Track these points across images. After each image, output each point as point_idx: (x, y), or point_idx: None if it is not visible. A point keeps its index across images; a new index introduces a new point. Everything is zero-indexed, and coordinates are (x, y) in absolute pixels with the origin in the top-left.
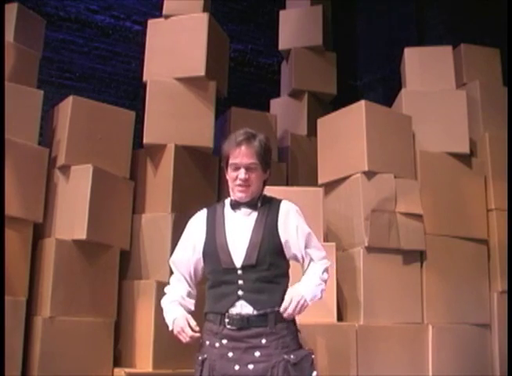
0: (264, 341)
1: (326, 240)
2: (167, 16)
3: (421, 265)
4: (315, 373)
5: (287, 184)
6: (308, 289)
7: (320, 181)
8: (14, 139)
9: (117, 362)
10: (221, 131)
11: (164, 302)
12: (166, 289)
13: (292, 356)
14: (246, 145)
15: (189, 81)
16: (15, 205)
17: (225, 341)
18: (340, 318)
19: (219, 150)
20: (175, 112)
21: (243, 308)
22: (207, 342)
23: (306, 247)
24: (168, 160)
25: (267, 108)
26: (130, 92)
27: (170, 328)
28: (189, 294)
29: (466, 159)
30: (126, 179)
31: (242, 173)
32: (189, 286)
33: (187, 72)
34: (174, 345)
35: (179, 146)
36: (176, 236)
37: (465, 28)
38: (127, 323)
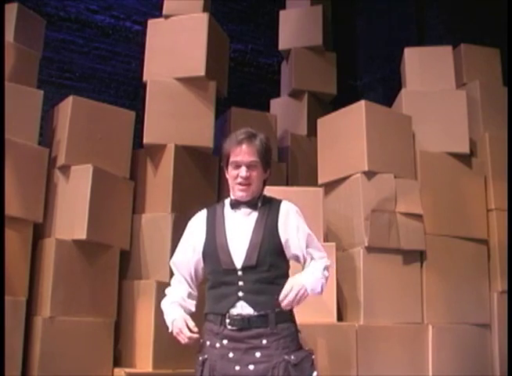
0: (264, 341)
1: (326, 240)
2: (167, 16)
3: (421, 265)
4: (315, 373)
5: (287, 184)
6: (309, 280)
7: (320, 181)
8: (14, 139)
9: (117, 362)
10: (221, 131)
11: (163, 304)
12: (166, 291)
13: (292, 357)
14: (248, 143)
15: (189, 81)
16: (15, 205)
17: (225, 342)
18: (340, 318)
19: (219, 149)
20: (175, 112)
21: (243, 308)
22: (208, 343)
23: (307, 247)
24: (168, 160)
25: (267, 108)
26: (130, 92)
27: (169, 330)
28: (190, 296)
29: (466, 159)
30: (126, 179)
31: (243, 171)
32: (190, 287)
33: (187, 72)
34: (174, 345)
35: (179, 146)
36: (176, 236)
37: (465, 28)
38: (127, 323)
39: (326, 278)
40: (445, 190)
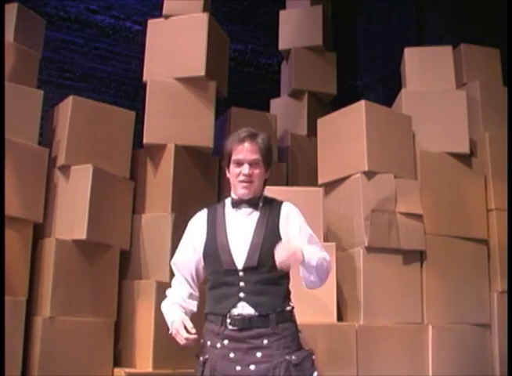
0: (265, 341)
1: (326, 240)
2: (167, 16)
3: (421, 265)
4: (315, 373)
5: (287, 184)
6: (309, 251)
7: (320, 181)
8: (14, 139)
9: (117, 362)
10: (221, 131)
11: (164, 306)
12: (167, 292)
13: (293, 357)
14: (250, 141)
15: (189, 81)
16: (15, 205)
17: (226, 342)
18: (340, 318)
19: (220, 149)
20: (175, 112)
21: (244, 309)
22: (209, 343)
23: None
24: (168, 160)
25: (267, 108)
26: (130, 92)
27: (169, 331)
28: (191, 296)
29: (466, 159)
30: (126, 179)
31: (246, 168)
32: (191, 287)
33: (187, 72)
34: (174, 345)
35: (179, 146)
36: (176, 236)
37: (465, 28)
38: (127, 323)
39: (325, 268)
40: (445, 190)
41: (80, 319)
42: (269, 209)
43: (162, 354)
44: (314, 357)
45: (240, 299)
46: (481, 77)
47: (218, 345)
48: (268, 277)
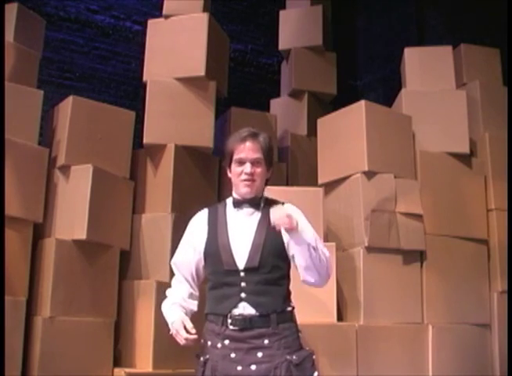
0: (266, 341)
1: (326, 240)
2: (167, 16)
3: (421, 265)
4: (316, 373)
5: (287, 184)
6: (305, 229)
7: (320, 181)
8: (14, 139)
9: (117, 362)
10: (221, 131)
11: (164, 306)
12: (167, 292)
13: (294, 357)
14: (252, 140)
15: (189, 81)
16: (15, 205)
17: (227, 342)
18: (340, 318)
19: (219, 149)
20: (175, 112)
21: (245, 309)
22: (209, 343)
23: None
24: (168, 160)
25: (267, 108)
26: (130, 92)
27: (170, 331)
28: (191, 296)
29: (466, 159)
30: (126, 179)
31: (247, 167)
32: (191, 287)
33: (187, 72)
34: (174, 345)
35: (179, 146)
36: (176, 236)
37: (465, 28)
38: (127, 323)
39: (325, 262)
40: (445, 190)
41: (80, 319)
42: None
43: (162, 354)
44: (314, 357)
45: (242, 299)
46: (481, 77)
47: (219, 345)
48: (269, 278)
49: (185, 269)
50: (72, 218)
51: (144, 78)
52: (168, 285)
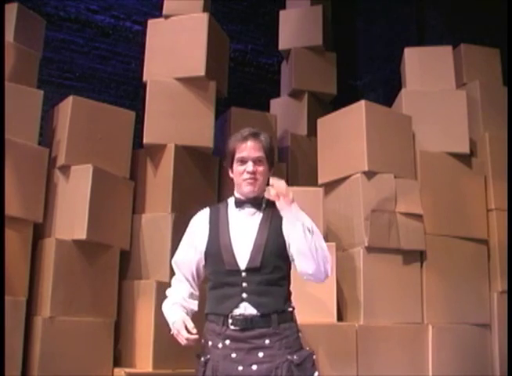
0: (267, 341)
1: (326, 240)
2: (167, 16)
3: (421, 265)
4: (316, 373)
5: (287, 184)
6: (302, 212)
7: (320, 181)
8: (14, 139)
9: (117, 362)
10: (221, 131)
11: (165, 306)
12: (167, 292)
13: (295, 357)
14: (253, 139)
15: (189, 81)
16: (15, 205)
17: (228, 342)
18: (340, 318)
19: (219, 149)
20: (175, 112)
21: (246, 309)
22: (210, 343)
23: None
24: (168, 160)
25: (267, 108)
26: (130, 92)
27: (171, 332)
28: (191, 295)
29: (466, 159)
30: (126, 179)
31: (250, 166)
32: (192, 287)
33: (187, 72)
34: (174, 345)
35: (179, 146)
36: (176, 236)
37: (465, 28)
38: (127, 323)
39: (323, 253)
40: (445, 190)
41: (80, 319)
42: (272, 210)
43: (162, 354)
44: (315, 357)
45: (243, 300)
46: (481, 77)
47: (220, 346)
48: (271, 278)
49: (185, 268)
50: (72, 218)
51: (144, 78)
52: (168, 285)
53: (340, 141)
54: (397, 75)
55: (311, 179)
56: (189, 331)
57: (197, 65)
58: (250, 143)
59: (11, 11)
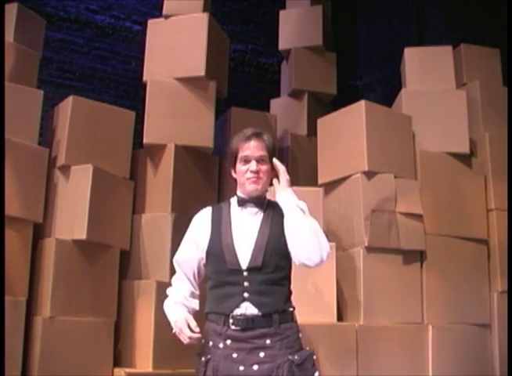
0: (268, 341)
1: None
2: (167, 16)
3: (421, 265)
4: (317, 373)
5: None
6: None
7: (320, 181)
8: (14, 139)
9: (117, 362)
10: (221, 131)
11: (166, 305)
12: (168, 291)
13: (296, 357)
14: (256, 139)
15: (189, 81)
16: (15, 205)
17: (229, 342)
18: (340, 318)
19: (220, 149)
20: (175, 112)
21: (247, 309)
22: (211, 343)
23: None
24: (168, 160)
25: (267, 108)
26: (130, 92)
27: (173, 331)
28: (192, 295)
29: (466, 159)
30: (126, 179)
31: (253, 165)
32: (192, 286)
33: (187, 72)
34: (174, 345)
35: (179, 146)
36: (176, 237)
37: (465, 28)
38: (127, 323)
39: (317, 233)
40: (445, 190)
41: (80, 319)
42: (274, 210)
43: (162, 354)
44: (315, 357)
45: (244, 299)
46: (481, 77)
47: (221, 345)
48: (272, 278)
49: (187, 266)
50: (72, 218)
51: (144, 78)
52: (168, 285)
53: (340, 141)
54: (397, 75)
55: (311, 179)
56: (191, 330)
57: (197, 65)
58: (253, 143)
59: (11, 11)
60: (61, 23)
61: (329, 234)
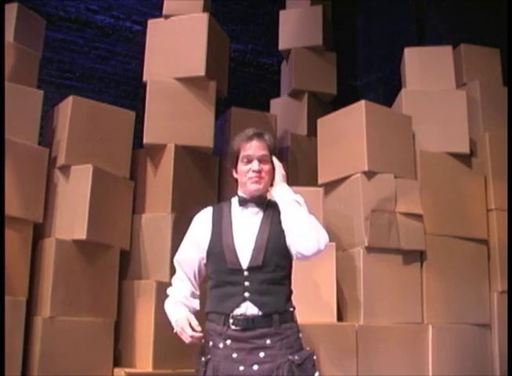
0: (268, 341)
1: None
2: (167, 16)
3: (421, 265)
4: (317, 373)
5: (287, 184)
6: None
7: (320, 181)
8: (14, 139)
9: (117, 362)
10: (221, 131)
11: (167, 305)
12: (168, 291)
13: (296, 357)
14: (258, 138)
15: (189, 81)
16: (15, 205)
17: (229, 342)
18: (340, 318)
19: (220, 149)
20: (175, 112)
21: (248, 309)
22: (211, 343)
23: None
24: (168, 160)
25: (267, 108)
26: (130, 92)
27: (174, 330)
28: (193, 294)
29: (466, 159)
30: (126, 179)
31: (255, 164)
32: (193, 286)
33: (187, 72)
34: (174, 345)
35: (179, 146)
36: (176, 237)
37: (465, 28)
38: (127, 323)
39: (315, 225)
40: (445, 190)
41: (80, 319)
42: (274, 209)
43: (162, 354)
44: (315, 357)
45: (245, 299)
46: (481, 77)
47: (221, 345)
48: (273, 277)
49: (187, 266)
50: (72, 218)
51: (144, 78)
52: (168, 285)
53: (340, 141)
54: (397, 75)
55: (311, 179)
56: (193, 329)
57: (197, 65)
58: (255, 143)
59: (11, 11)
60: (61, 23)
61: (330, 234)
